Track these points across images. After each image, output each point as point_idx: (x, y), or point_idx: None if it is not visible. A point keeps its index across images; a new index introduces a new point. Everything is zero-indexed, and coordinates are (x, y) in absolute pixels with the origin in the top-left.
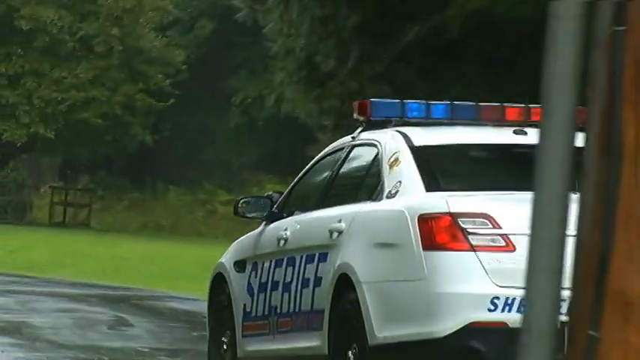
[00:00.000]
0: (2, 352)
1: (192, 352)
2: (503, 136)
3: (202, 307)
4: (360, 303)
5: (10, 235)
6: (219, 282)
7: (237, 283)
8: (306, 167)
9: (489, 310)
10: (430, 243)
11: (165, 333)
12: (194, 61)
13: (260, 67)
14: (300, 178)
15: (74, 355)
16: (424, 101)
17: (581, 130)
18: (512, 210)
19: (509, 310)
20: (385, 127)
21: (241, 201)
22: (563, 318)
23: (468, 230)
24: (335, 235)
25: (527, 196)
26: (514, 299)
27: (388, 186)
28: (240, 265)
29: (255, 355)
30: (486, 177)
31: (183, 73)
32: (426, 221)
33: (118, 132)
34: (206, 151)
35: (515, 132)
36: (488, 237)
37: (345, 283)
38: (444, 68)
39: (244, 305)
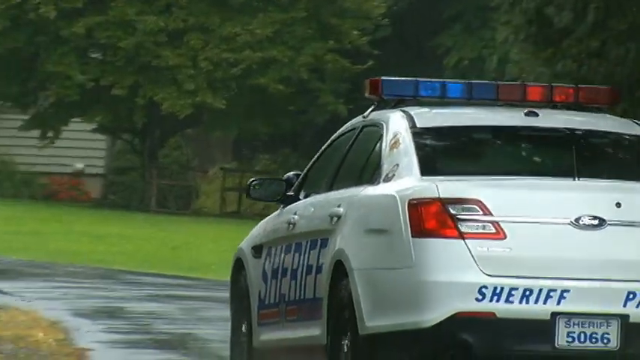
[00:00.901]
0: None
1: None
2: (513, 118)
3: None
4: (352, 291)
5: (173, 227)
6: (238, 268)
7: (254, 269)
8: (322, 148)
9: (477, 300)
10: (419, 230)
11: None
12: (397, 15)
13: (478, 21)
14: (316, 160)
15: None
16: (440, 80)
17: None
18: (504, 196)
19: (498, 300)
20: (396, 107)
21: (253, 183)
22: (554, 309)
23: (458, 217)
24: (335, 220)
25: (524, 182)
26: (503, 289)
27: (386, 169)
28: (257, 250)
29: (267, 344)
30: (488, 161)
31: (384, 30)
32: (416, 207)
33: (303, 101)
34: None
35: (526, 114)
36: (478, 224)
37: (340, 271)
38: None
39: (259, 292)
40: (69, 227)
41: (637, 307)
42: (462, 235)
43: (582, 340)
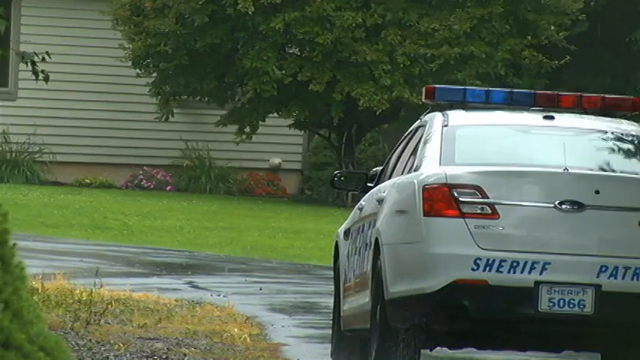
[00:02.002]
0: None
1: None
2: (532, 119)
3: None
4: (382, 263)
5: None
6: (336, 251)
7: (343, 249)
8: (396, 145)
9: (472, 270)
10: (429, 210)
11: None
12: (594, 10)
13: None
14: (390, 155)
15: None
16: (484, 88)
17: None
18: (500, 183)
19: (490, 270)
20: (446, 110)
21: (338, 174)
22: (538, 278)
23: (460, 199)
24: (380, 204)
25: (517, 171)
26: (494, 260)
27: (418, 161)
28: (346, 233)
29: (347, 314)
30: (495, 153)
31: (581, 25)
32: (428, 191)
33: None
34: None
35: (544, 117)
36: (477, 205)
37: (378, 247)
38: None
39: (345, 270)
40: (265, 223)
41: (608, 278)
42: (462, 215)
43: (562, 305)
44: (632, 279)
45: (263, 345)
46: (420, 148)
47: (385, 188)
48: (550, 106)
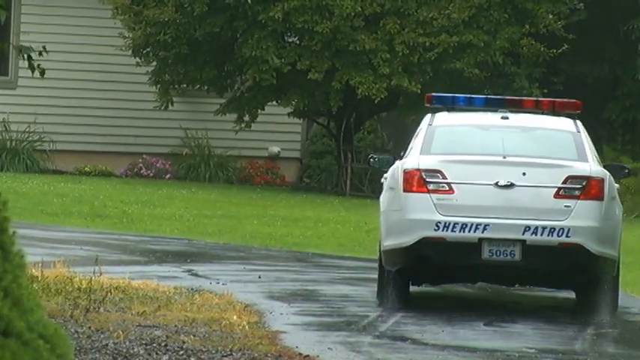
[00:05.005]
0: (357, 350)
1: (591, 355)
2: (493, 120)
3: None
4: (380, 224)
5: (367, 211)
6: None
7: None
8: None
9: (434, 230)
10: (406, 187)
11: (554, 331)
12: None
13: None
14: (408, 141)
15: (444, 356)
16: (467, 95)
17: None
18: (456, 168)
19: (446, 230)
20: (439, 112)
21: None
22: (480, 236)
23: (427, 180)
24: (384, 181)
25: (469, 159)
26: (450, 223)
27: (407, 151)
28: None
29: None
30: (457, 145)
31: (579, 14)
32: (406, 174)
33: (498, 85)
34: (610, 108)
35: (501, 117)
36: (439, 184)
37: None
38: None
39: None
40: (264, 211)
41: (531, 235)
42: (429, 191)
43: (498, 255)
44: (548, 236)
45: (262, 332)
46: (412, 141)
47: (390, 170)
48: (516, 108)
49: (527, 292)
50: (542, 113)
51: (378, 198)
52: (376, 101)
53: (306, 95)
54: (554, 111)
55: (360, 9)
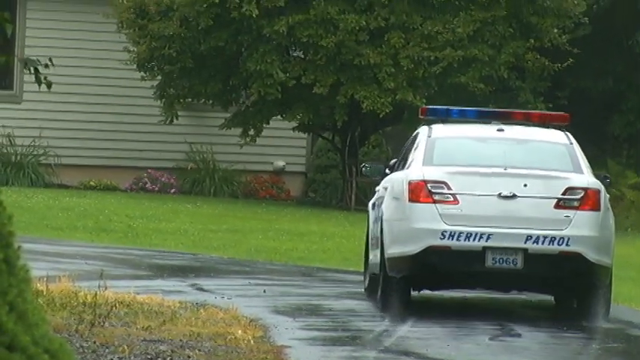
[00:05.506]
0: None
1: None
2: (489, 132)
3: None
4: (383, 233)
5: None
6: (368, 215)
7: (370, 216)
8: (405, 144)
9: (440, 239)
10: (412, 198)
11: (560, 345)
12: (597, 13)
13: None
14: (401, 152)
15: None
16: (461, 107)
17: (558, 127)
18: (460, 179)
19: (452, 239)
20: (434, 124)
21: (364, 165)
22: (484, 244)
23: (432, 191)
24: (385, 190)
25: (473, 170)
26: (455, 232)
27: (409, 161)
28: (372, 205)
29: (371, 262)
30: (459, 157)
31: (584, 28)
32: (411, 185)
33: (503, 99)
34: (614, 122)
35: (497, 130)
36: (444, 195)
37: (382, 221)
38: None
39: (371, 230)
40: (269, 225)
41: (533, 244)
42: (434, 202)
43: (501, 262)
44: (549, 244)
45: (267, 347)
46: (411, 152)
47: (391, 179)
48: (506, 120)
49: (531, 303)
50: (532, 125)
51: None
52: (381, 115)
53: (311, 109)
54: (544, 123)
55: (364, 23)
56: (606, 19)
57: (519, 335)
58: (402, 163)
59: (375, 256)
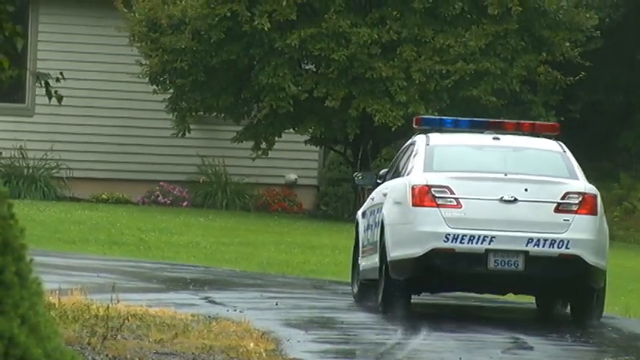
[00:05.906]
0: None
1: None
2: (485, 140)
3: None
4: (385, 237)
5: None
6: (357, 224)
7: (361, 224)
8: (397, 154)
9: (444, 241)
10: (416, 202)
11: (572, 358)
12: (609, 26)
13: None
14: (393, 161)
15: None
16: (454, 117)
17: (548, 137)
18: (463, 183)
19: (455, 242)
20: (428, 133)
21: (356, 174)
22: (487, 247)
23: (436, 195)
24: (384, 196)
25: (475, 176)
26: (458, 235)
27: (409, 168)
28: (363, 214)
29: (363, 268)
30: (460, 164)
31: (596, 41)
32: (415, 189)
33: (515, 112)
34: (626, 136)
35: (493, 138)
36: (447, 199)
37: (383, 226)
38: None
39: (362, 238)
40: (281, 238)
41: (533, 246)
42: (437, 206)
43: (503, 264)
44: (549, 247)
45: None
46: (410, 159)
47: (389, 186)
48: (498, 130)
49: (542, 314)
50: (524, 134)
51: None
52: (393, 129)
53: (322, 123)
54: (534, 132)
55: (376, 36)
56: (618, 33)
57: (531, 348)
58: (395, 172)
59: (371, 262)
